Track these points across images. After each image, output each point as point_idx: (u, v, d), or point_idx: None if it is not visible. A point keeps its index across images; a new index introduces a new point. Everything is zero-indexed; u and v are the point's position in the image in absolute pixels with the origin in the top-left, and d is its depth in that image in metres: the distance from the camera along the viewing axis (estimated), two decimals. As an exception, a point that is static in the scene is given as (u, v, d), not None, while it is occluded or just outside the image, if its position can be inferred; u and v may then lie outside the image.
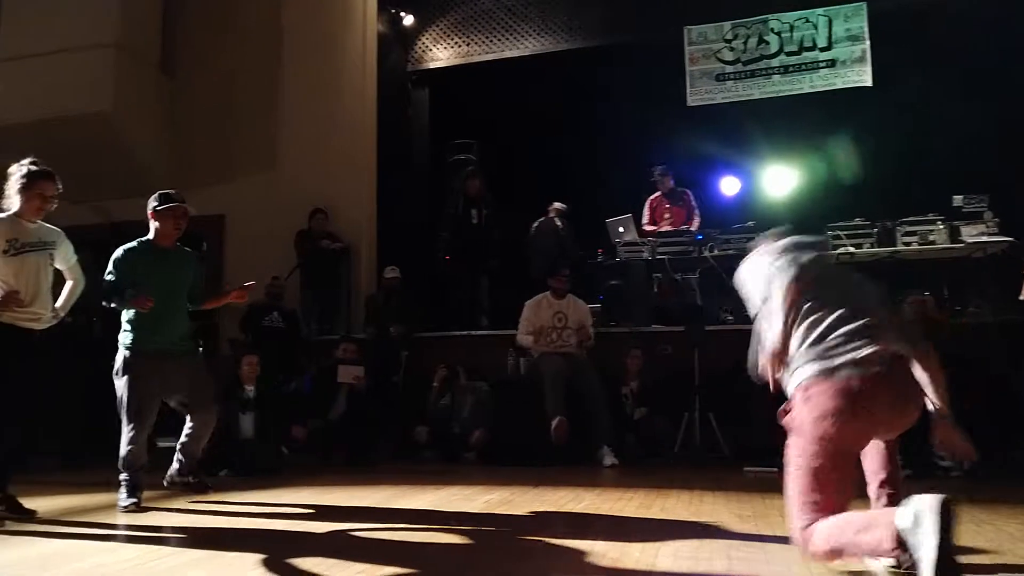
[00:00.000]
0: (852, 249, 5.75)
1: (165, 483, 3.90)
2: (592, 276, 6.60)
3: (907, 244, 5.65)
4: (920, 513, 1.80)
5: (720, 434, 5.07)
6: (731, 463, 4.84)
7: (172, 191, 3.86)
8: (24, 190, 3.33)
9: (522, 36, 8.15)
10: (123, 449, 3.59)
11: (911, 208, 5.82)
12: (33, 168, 3.36)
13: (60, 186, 3.41)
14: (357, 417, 5.31)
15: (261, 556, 2.58)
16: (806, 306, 2.31)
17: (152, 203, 3.78)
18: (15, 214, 3.34)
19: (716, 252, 6.20)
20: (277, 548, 2.73)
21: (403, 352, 6.07)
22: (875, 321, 2.26)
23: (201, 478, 3.99)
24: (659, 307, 6.12)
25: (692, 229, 6.71)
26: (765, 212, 6.77)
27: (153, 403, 3.68)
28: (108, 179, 7.28)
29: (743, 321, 5.85)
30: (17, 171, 3.36)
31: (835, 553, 2.10)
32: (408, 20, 8.32)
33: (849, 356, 2.16)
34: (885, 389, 2.15)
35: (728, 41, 7.72)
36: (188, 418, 3.85)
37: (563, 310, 5.62)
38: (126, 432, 3.60)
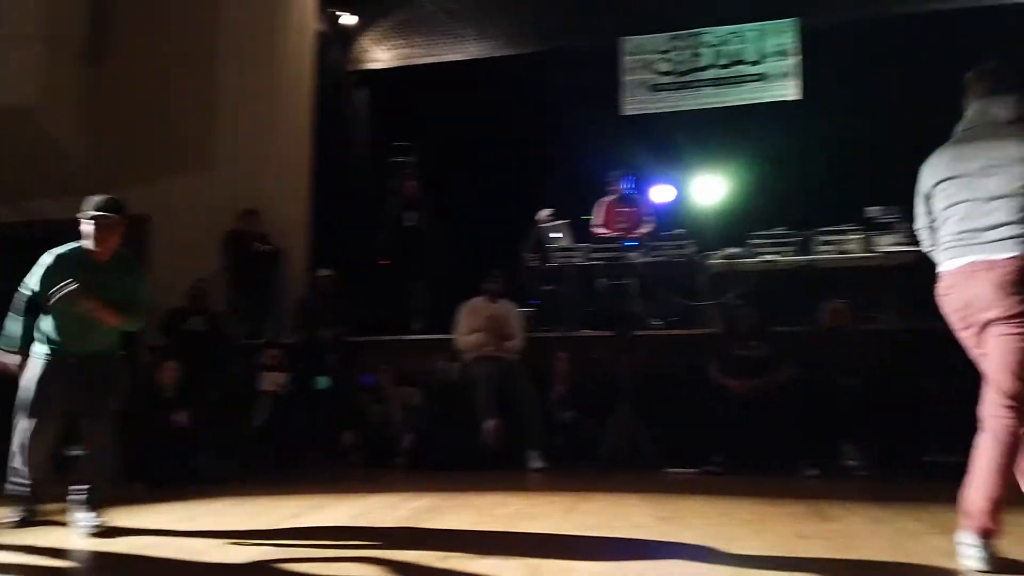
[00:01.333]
0: (773, 257, 5.95)
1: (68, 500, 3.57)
2: (526, 281, 6.65)
3: (824, 253, 5.88)
4: None
5: (646, 437, 5.17)
6: (655, 465, 4.95)
7: (109, 198, 3.46)
8: None
9: (463, 40, 8.18)
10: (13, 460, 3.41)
11: (829, 218, 6.06)
12: None
13: None
14: (281, 424, 5.23)
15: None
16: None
17: (86, 209, 3.39)
18: None
19: (647, 258, 6.33)
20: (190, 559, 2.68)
21: (333, 356, 5.99)
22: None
23: (95, 499, 3.40)
24: (591, 312, 6.21)
25: (643, 233, 6.81)
26: (695, 220, 6.95)
27: (51, 411, 3.40)
28: (30, 175, 6.98)
29: (672, 327, 6.06)
30: None
31: None
32: (348, 20, 8.23)
33: None
34: None
35: (664, 53, 7.90)
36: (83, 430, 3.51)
37: (496, 313, 5.65)
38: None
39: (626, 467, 4.96)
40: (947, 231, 2.56)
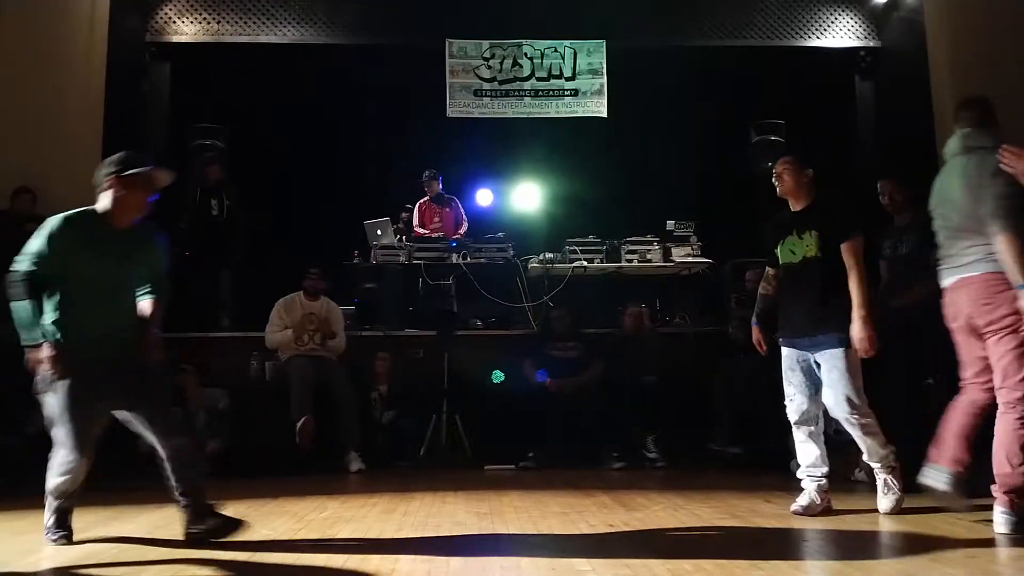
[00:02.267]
0: (585, 263, 6.35)
1: (186, 537, 2.93)
2: (348, 278, 6.49)
3: (629, 261, 6.38)
4: None
5: (464, 435, 5.28)
6: (473, 463, 5.07)
7: (136, 152, 2.98)
8: None
9: (281, 22, 7.78)
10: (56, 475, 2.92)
11: (633, 229, 6.59)
12: None
13: None
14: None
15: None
16: None
17: (110, 167, 2.89)
18: None
19: (469, 260, 6.46)
20: None
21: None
22: None
23: (217, 517, 2.96)
24: (414, 311, 6.21)
25: (460, 234, 6.88)
26: (514, 224, 7.19)
27: (93, 420, 2.91)
28: None
29: (491, 327, 6.24)
30: None
31: None
32: (146, -17, 7.49)
33: None
34: None
35: (486, 59, 8.08)
36: (155, 445, 2.95)
37: (315, 311, 5.47)
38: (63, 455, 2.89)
39: (446, 466, 5.04)
40: (940, 253, 3.06)
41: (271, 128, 7.78)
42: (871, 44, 7.88)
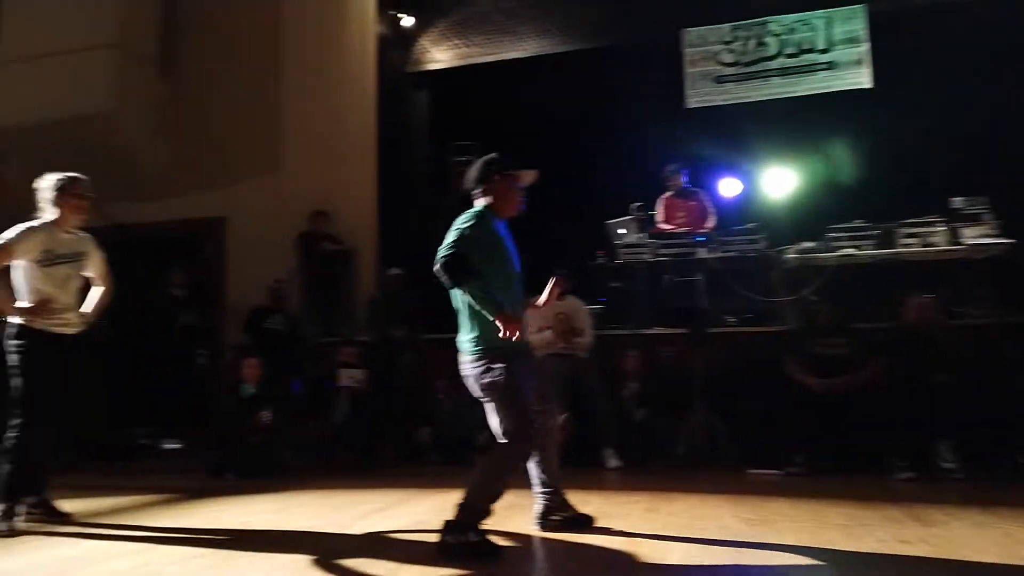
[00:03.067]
0: (852, 251, 5.77)
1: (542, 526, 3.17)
2: (594, 278, 6.59)
3: (908, 246, 5.66)
4: None
5: (723, 436, 5.07)
6: (733, 465, 4.86)
7: (504, 154, 3.11)
8: (60, 196, 3.47)
9: (520, 38, 8.17)
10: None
11: (910, 210, 5.84)
12: (65, 176, 3.55)
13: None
14: (360, 420, 5.32)
15: (281, 558, 2.62)
16: None
17: (489, 168, 3.05)
18: (52, 223, 3.48)
19: (718, 254, 6.21)
20: (293, 550, 2.79)
21: (406, 354, 6.06)
22: None
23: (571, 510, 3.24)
24: (661, 309, 6.12)
25: (708, 228, 6.66)
26: (766, 214, 6.78)
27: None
28: (107, 181, 7.14)
29: (746, 323, 5.92)
30: (48, 182, 3.51)
31: None
32: (407, 21, 8.31)
33: None
34: None
35: (727, 43, 7.74)
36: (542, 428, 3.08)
37: (564, 311, 5.62)
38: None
39: (704, 466, 4.89)
40: None
41: (517, 137, 8.16)
42: None
